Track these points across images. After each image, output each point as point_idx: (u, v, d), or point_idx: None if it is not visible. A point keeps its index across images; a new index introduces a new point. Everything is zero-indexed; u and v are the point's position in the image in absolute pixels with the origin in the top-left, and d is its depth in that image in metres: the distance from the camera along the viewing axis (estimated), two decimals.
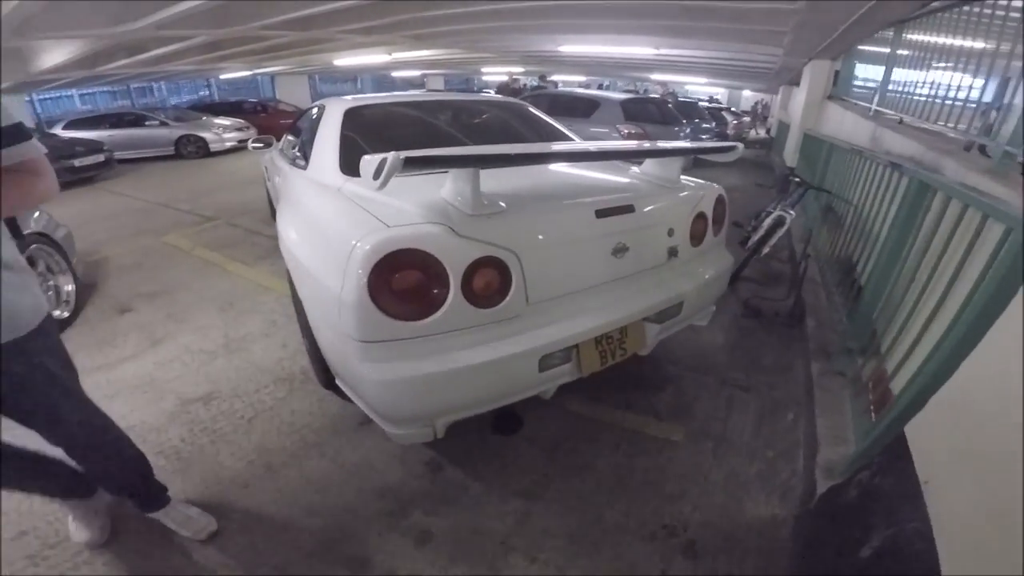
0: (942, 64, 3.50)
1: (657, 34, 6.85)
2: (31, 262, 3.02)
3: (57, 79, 8.77)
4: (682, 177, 2.17)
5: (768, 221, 3.70)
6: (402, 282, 1.43)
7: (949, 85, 3.18)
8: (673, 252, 2.00)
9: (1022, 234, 1.26)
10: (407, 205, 1.59)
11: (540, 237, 1.64)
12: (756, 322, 3.13)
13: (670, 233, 1.98)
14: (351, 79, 21.90)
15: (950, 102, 3.12)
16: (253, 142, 3.91)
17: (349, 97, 2.74)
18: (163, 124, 10.45)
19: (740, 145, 2.12)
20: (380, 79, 22.20)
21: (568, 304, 1.72)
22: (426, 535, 1.64)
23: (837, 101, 6.87)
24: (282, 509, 1.74)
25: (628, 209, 1.82)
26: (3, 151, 1.13)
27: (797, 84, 9.40)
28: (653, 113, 7.76)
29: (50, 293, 3.13)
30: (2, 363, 1.19)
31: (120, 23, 4.72)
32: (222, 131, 10.76)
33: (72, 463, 1.49)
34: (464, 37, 7.92)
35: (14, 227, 1.53)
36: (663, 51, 8.36)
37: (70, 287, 3.25)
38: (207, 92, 18.76)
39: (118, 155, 9.01)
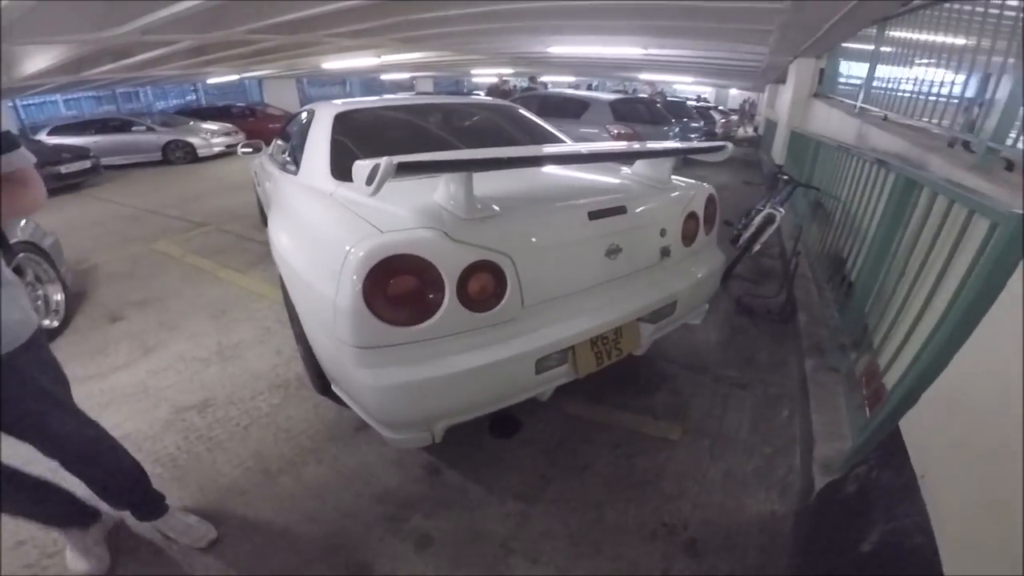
0: (924, 61, 3.55)
1: (644, 34, 6.88)
2: (19, 271, 2.98)
3: (41, 84, 8.65)
4: (673, 177, 2.19)
5: (758, 219, 3.74)
6: (397, 288, 1.43)
7: (932, 81, 3.23)
8: (666, 252, 2.01)
9: (1008, 230, 1.28)
10: (400, 210, 1.59)
11: (534, 240, 1.65)
12: (749, 319, 3.16)
13: (662, 233, 1.99)
14: (339, 82, 21.79)
15: (933, 98, 3.17)
16: (242, 147, 3.87)
17: (339, 101, 2.74)
18: (150, 129, 10.34)
19: (730, 145, 2.14)
20: (369, 82, 22.10)
21: (563, 306, 1.73)
22: (426, 539, 1.64)
23: (823, 99, 6.95)
24: (281, 516, 1.73)
25: (620, 210, 1.84)
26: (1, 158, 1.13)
27: (783, 82, 9.50)
28: (642, 113, 7.81)
29: (39, 303, 3.09)
30: None
31: (105, 28, 4.66)
32: (210, 136, 10.67)
33: (72, 491, 1.49)
34: (453, 39, 7.91)
35: (1, 239, 1.51)
36: (651, 51, 8.39)
37: (59, 296, 3.21)
38: (194, 97, 18.58)
39: (105, 161, 8.92)
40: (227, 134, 11.05)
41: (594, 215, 1.76)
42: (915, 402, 1.22)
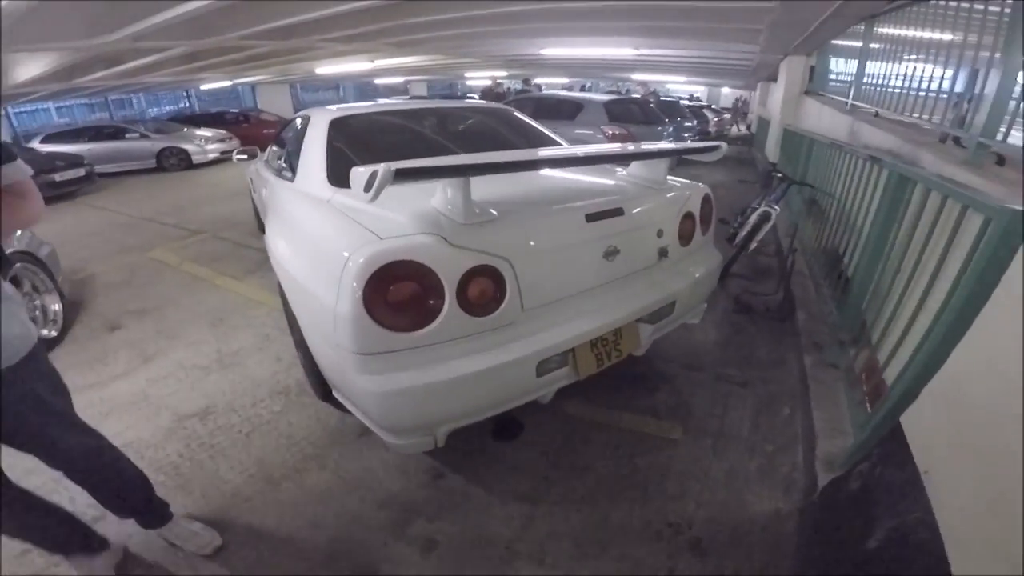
0: (913, 57, 3.58)
1: (636, 35, 6.90)
2: (16, 282, 2.96)
3: (33, 92, 8.62)
4: (668, 177, 2.20)
5: (754, 217, 3.75)
6: (397, 294, 1.44)
7: (921, 77, 3.26)
8: (663, 252, 2.02)
9: (1001, 224, 1.30)
10: (399, 216, 1.59)
11: (532, 243, 1.66)
12: (747, 317, 3.18)
13: (659, 234, 2.00)
14: (333, 87, 21.79)
15: (923, 94, 3.19)
16: (237, 154, 3.88)
17: (334, 107, 2.74)
18: (144, 137, 10.30)
19: (724, 145, 2.15)
20: (363, 86, 22.10)
21: (562, 308, 1.73)
22: (431, 543, 1.64)
23: (814, 96, 6.98)
24: (285, 522, 1.73)
25: (617, 212, 1.85)
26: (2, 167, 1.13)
27: (775, 80, 9.54)
28: (636, 114, 7.83)
29: (37, 313, 3.08)
30: None
31: (96, 35, 4.65)
32: (204, 143, 10.64)
33: (79, 517, 1.48)
34: (446, 43, 7.92)
35: None
36: (643, 51, 8.42)
37: (57, 306, 3.20)
38: (187, 103, 18.54)
39: (99, 169, 8.86)
40: (221, 140, 11.03)
41: (591, 217, 1.77)
42: (915, 397, 1.23)
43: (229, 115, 13.50)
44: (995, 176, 2.15)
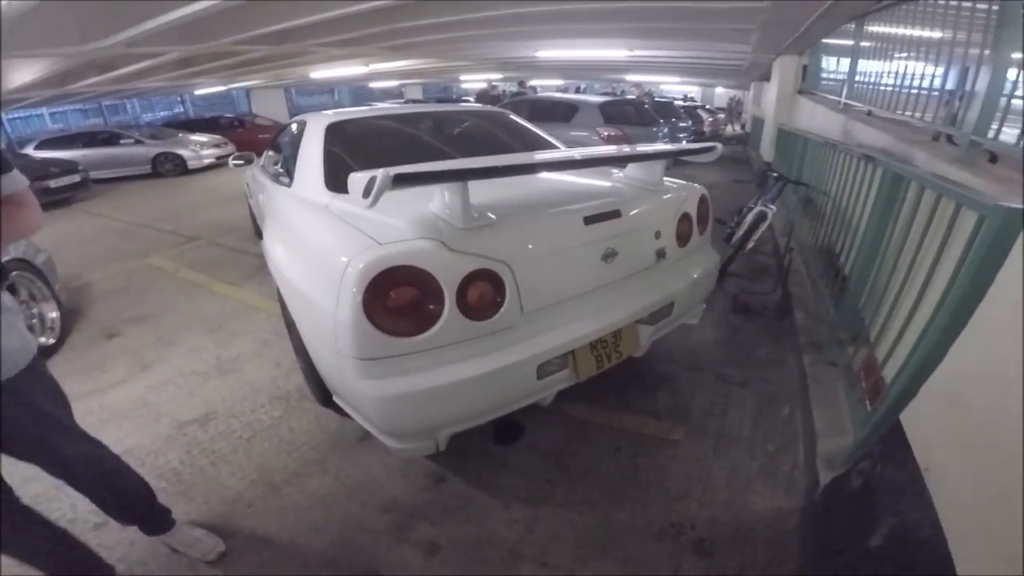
0: (904, 55, 3.60)
1: (630, 36, 6.93)
2: (13, 290, 2.95)
3: (26, 98, 8.58)
4: (665, 179, 2.21)
5: (750, 217, 3.77)
6: (397, 299, 1.44)
7: (913, 75, 3.28)
8: (661, 254, 2.03)
9: (995, 222, 1.31)
10: (397, 221, 1.60)
11: (531, 247, 1.67)
12: (745, 317, 3.19)
13: (657, 235, 2.01)
14: (328, 91, 21.78)
15: (915, 91, 3.21)
16: (234, 159, 3.87)
17: (330, 112, 2.74)
18: (138, 142, 10.27)
19: (719, 146, 2.16)
20: (358, 90, 22.09)
21: (562, 311, 1.74)
22: (434, 547, 1.64)
23: (807, 95, 7.02)
24: (288, 527, 1.73)
25: (615, 214, 1.85)
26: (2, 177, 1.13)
27: (768, 80, 9.58)
28: (631, 115, 7.85)
29: (34, 321, 3.07)
30: None
31: (90, 41, 4.63)
32: (200, 148, 10.61)
33: (88, 545, 1.47)
34: (441, 46, 7.92)
35: None
36: (637, 52, 8.45)
37: (54, 314, 3.19)
38: (181, 108, 18.51)
39: (94, 175, 8.85)
40: (217, 145, 10.99)
41: (589, 220, 1.78)
42: (914, 395, 1.24)
43: (224, 120, 13.46)
44: (988, 173, 2.16)
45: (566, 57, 9.75)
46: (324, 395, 2.06)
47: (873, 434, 1.57)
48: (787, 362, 2.67)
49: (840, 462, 1.71)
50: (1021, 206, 1.25)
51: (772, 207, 3.75)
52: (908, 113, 3.24)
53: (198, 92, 14.51)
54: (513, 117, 3.16)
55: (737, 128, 17.79)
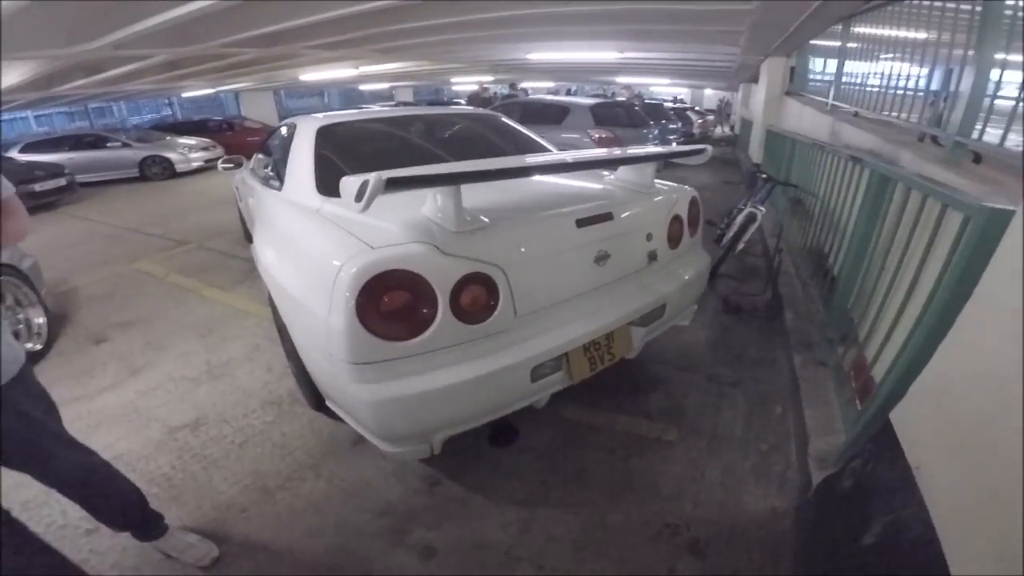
0: (890, 56, 3.65)
1: (620, 38, 6.96)
2: None
3: (11, 101, 8.45)
4: (655, 181, 2.22)
5: (740, 218, 3.80)
6: (390, 303, 1.44)
7: (899, 76, 3.32)
8: (652, 256, 2.05)
9: (980, 223, 1.33)
10: (390, 225, 1.59)
11: (524, 250, 1.67)
12: (736, 318, 3.22)
13: (648, 237, 2.03)
14: (318, 93, 21.69)
15: (901, 92, 3.26)
16: (223, 163, 3.84)
17: (320, 115, 2.73)
18: (126, 145, 10.14)
19: (710, 148, 2.18)
20: (348, 92, 22.01)
21: (555, 314, 1.75)
22: (430, 550, 1.64)
23: (795, 97, 7.09)
24: (282, 532, 1.72)
25: (607, 217, 1.86)
26: None
27: (756, 81, 9.67)
28: (622, 117, 7.89)
29: (20, 326, 3.02)
30: None
31: (76, 43, 4.58)
32: (188, 151, 10.50)
33: (81, 568, 1.44)
34: (432, 49, 7.91)
35: None
36: (627, 55, 8.50)
37: (41, 319, 3.14)
38: (169, 111, 18.35)
39: (80, 178, 8.74)
40: (205, 149, 10.89)
41: (582, 223, 1.79)
42: (903, 394, 1.25)
43: (212, 123, 13.35)
44: (972, 174, 2.20)
45: (557, 59, 9.78)
46: (317, 399, 2.05)
47: (864, 433, 1.59)
48: (778, 362, 2.69)
49: (832, 461, 1.73)
50: (1005, 207, 1.27)
51: (762, 208, 3.78)
52: (894, 114, 3.28)
53: (186, 95, 14.35)
54: (505, 120, 3.16)
55: (726, 130, 17.92)
